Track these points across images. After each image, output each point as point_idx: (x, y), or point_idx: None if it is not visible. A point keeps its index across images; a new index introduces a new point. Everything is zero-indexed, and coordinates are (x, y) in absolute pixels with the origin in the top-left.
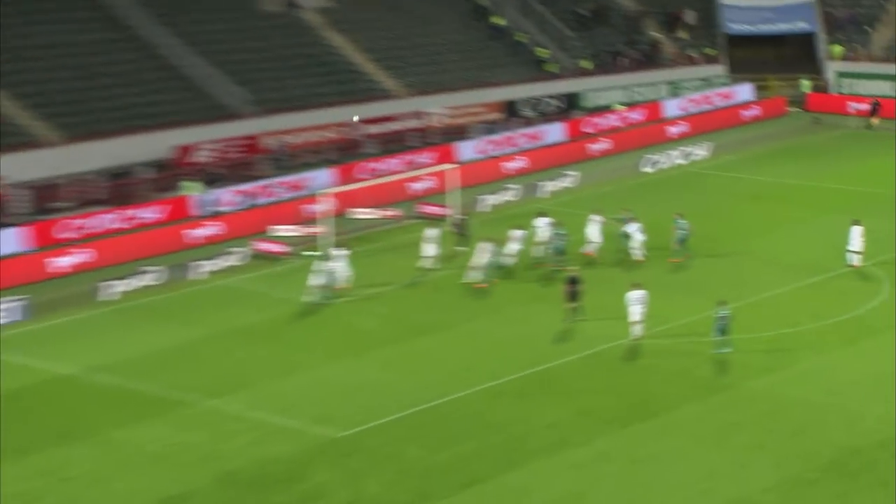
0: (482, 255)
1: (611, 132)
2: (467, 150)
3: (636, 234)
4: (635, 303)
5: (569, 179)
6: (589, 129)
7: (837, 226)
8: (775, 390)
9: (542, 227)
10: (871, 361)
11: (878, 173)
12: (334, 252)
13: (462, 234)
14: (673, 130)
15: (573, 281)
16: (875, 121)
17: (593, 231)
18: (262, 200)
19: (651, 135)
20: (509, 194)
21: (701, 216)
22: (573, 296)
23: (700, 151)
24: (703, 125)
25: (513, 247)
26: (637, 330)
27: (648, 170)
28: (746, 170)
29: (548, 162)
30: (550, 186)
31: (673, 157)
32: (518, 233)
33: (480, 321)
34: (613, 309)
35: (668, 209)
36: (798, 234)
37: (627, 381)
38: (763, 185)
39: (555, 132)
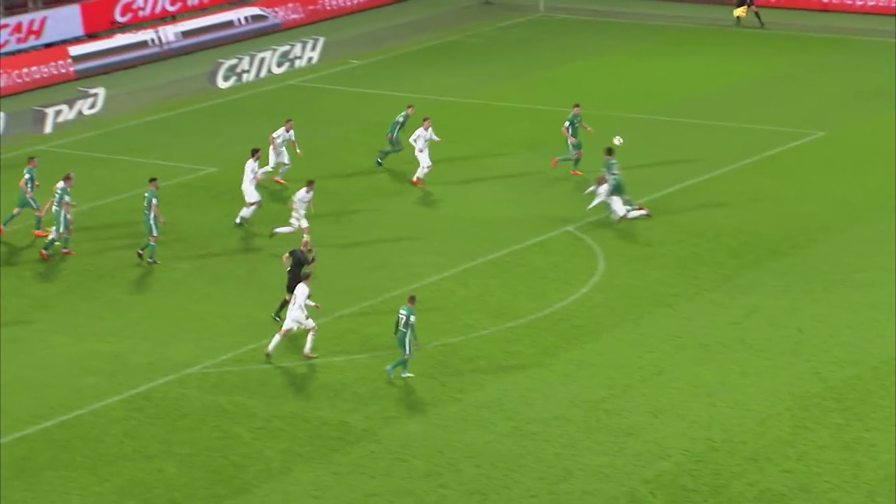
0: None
1: (158, 22)
2: None
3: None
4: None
5: (88, 102)
6: (122, 18)
7: (529, 167)
8: (435, 437)
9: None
10: (578, 383)
11: (588, 83)
12: None
13: None
14: (248, 17)
15: (300, 259)
16: (741, 11)
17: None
18: None
19: (225, 26)
20: None
21: (310, 161)
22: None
23: (309, 53)
24: (312, 8)
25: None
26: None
27: (227, 84)
28: (382, 82)
29: (45, 74)
30: (59, 115)
31: (266, 63)
32: None
33: None
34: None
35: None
36: (467, 184)
37: (201, 435)
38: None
39: (64, 23)
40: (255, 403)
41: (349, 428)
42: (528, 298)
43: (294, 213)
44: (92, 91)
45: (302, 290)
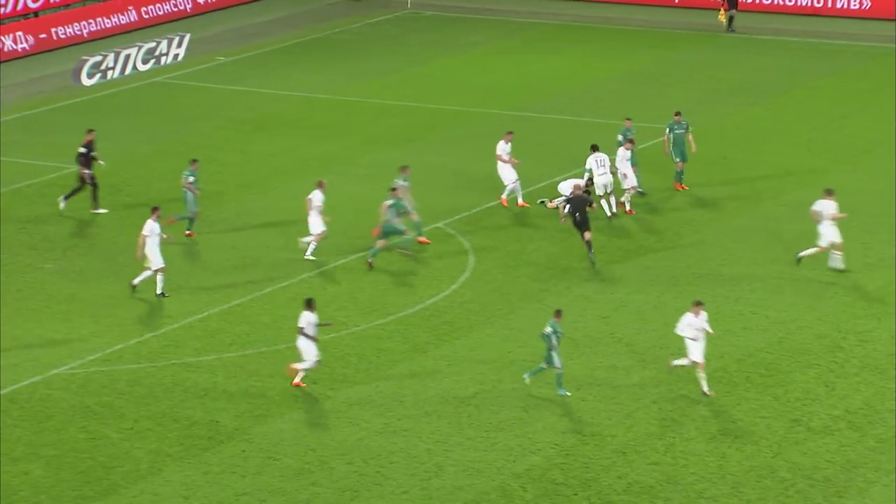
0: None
1: (22, 16)
2: None
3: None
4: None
5: None
6: None
7: (398, 164)
8: (306, 435)
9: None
10: (449, 379)
11: (456, 80)
12: None
13: None
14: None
15: (584, 201)
16: (723, 17)
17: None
18: None
19: (94, 18)
20: None
21: (178, 159)
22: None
23: (175, 49)
24: (178, 5)
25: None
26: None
27: (91, 82)
28: (249, 79)
29: None
30: None
31: (131, 60)
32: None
33: None
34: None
35: (123, 146)
36: (337, 181)
37: (67, 436)
38: (277, 104)
39: None
40: (123, 404)
41: (220, 427)
42: (398, 295)
43: None
44: None
45: (692, 319)
